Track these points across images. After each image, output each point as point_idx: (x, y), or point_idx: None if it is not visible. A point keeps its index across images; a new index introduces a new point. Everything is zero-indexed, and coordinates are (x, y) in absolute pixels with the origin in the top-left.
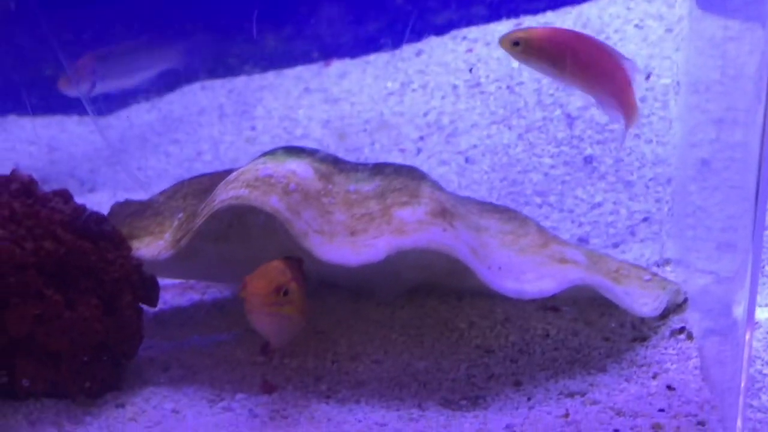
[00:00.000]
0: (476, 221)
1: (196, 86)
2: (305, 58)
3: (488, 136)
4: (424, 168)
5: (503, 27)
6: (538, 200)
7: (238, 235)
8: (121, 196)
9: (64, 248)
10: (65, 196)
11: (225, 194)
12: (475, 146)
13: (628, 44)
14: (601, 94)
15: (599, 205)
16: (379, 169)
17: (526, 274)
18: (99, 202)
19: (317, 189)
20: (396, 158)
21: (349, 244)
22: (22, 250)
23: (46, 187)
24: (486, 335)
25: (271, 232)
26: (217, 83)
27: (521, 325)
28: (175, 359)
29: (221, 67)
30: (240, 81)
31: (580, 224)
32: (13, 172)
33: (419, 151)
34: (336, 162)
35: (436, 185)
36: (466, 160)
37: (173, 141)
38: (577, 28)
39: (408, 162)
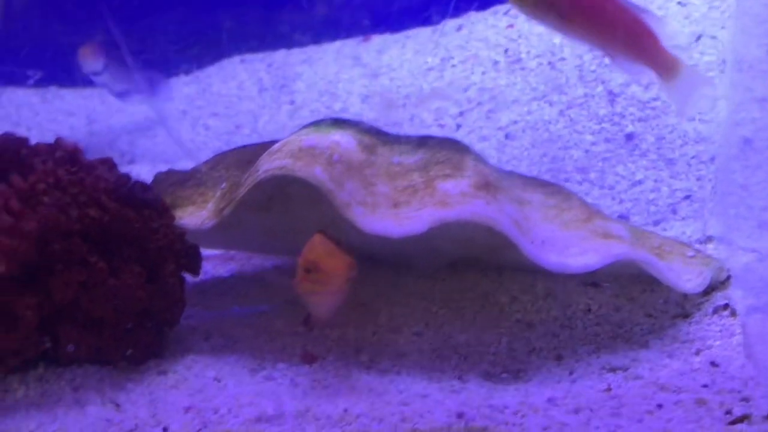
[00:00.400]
0: (519, 194)
1: (235, 60)
2: (345, 33)
3: (529, 112)
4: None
5: None
6: (578, 177)
7: (280, 206)
8: (161, 168)
9: (109, 216)
10: (109, 164)
11: (269, 164)
12: (515, 122)
13: (671, 21)
14: (618, 52)
15: (640, 182)
16: (422, 141)
17: (570, 248)
18: (138, 173)
19: (360, 160)
20: (436, 133)
21: (391, 216)
22: (67, 217)
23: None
24: (527, 309)
25: (313, 203)
26: (257, 57)
27: (563, 300)
28: (216, 328)
29: (261, 41)
30: (279, 55)
31: (621, 201)
32: (58, 140)
33: (459, 126)
34: (379, 134)
35: (479, 158)
36: (507, 136)
37: (212, 114)
38: None
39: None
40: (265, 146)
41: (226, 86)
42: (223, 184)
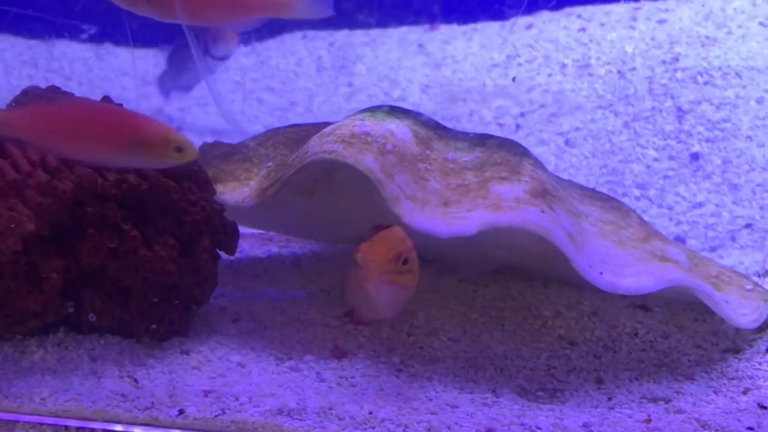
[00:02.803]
0: (576, 206)
1: (297, 35)
2: (411, 19)
3: (592, 120)
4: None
5: (620, 9)
6: (637, 192)
7: (325, 192)
8: (207, 136)
9: (147, 184)
10: None
11: (318, 147)
12: (577, 129)
13: (750, 42)
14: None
15: (701, 205)
16: (480, 140)
17: (624, 268)
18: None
19: (414, 153)
20: (494, 131)
21: (440, 214)
22: (104, 180)
23: None
24: (571, 326)
25: (359, 192)
26: (319, 35)
27: (609, 321)
28: (246, 311)
29: (325, 18)
30: (342, 35)
31: (678, 222)
32: (105, 98)
33: (518, 127)
34: (437, 127)
35: (538, 163)
36: (567, 142)
37: (267, 88)
38: (698, 19)
39: (506, 137)
40: (317, 127)
41: (284, 61)
42: (270, 163)
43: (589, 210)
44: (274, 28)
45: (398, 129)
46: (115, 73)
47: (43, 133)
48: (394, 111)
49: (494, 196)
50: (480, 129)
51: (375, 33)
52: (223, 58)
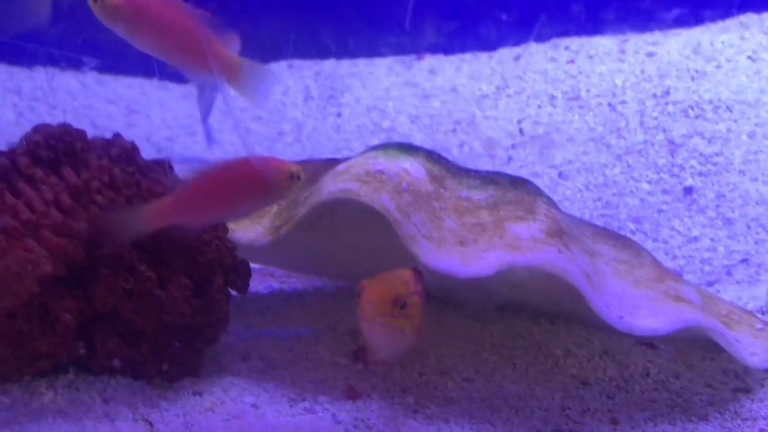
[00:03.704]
0: (590, 245)
1: (283, 64)
2: (398, 49)
3: (585, 152)
4: None
5: (608, 41)
6: (632, 226)
7: (327, 227)
8: (198, 166)
9: None
10: (166, 166)
11: (333, 186)
12: (570, 161)
13: (739, 75)
14: (180, 61)
15: (696, 239)
16: (492, 177)
17: (639, 308)
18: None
19: (428, 191)
20: (486, 164)
21: (457, 254)
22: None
23: None
24: (582, 365)
25: (362, 228)
26: (306, 64)
27: (620, 360)
28: (254, 349)
29: (311, 48)
30: (329, 64)
31: (674, 257)
32: (116, 136)
33: (510, 159)
34: (448, 164)
35: (551, 202)
36: (560, 175)
37: (255, 118)
38: (687, 53)
39: (499, 169)
40: (327, 164)
41: (272, 90)
42: (281, 200)
43: (603, 249)
44: (261, 56)
45: (412, 167)
46: (101, 102)
47: (194, 214)
48: (406, 148)
49: (511, 235)
50: (471, 161)
51: (362, 63)
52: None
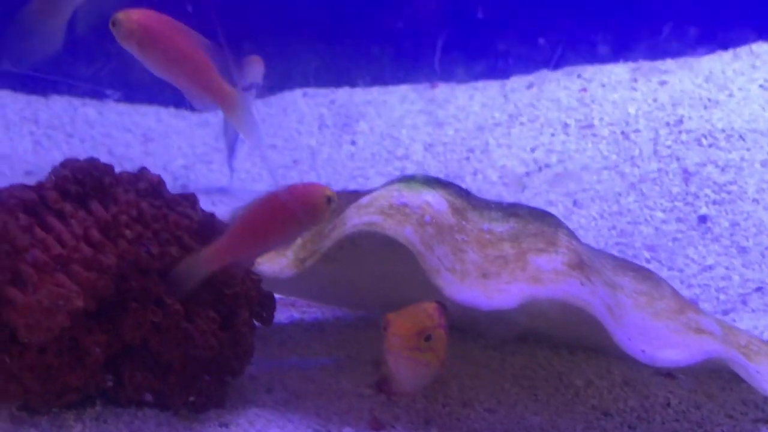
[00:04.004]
0: (611, 277)
1: (297, 93)
2: (411, 77)
3: (599, 181)
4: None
5: (620, 69)
6: (647, 255)
7: (348, 258)
8: (214, 196)
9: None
10: (192, 200)
11: (357, 219)
12: (584, 190)
13: (751, 104)
14: (186, 85)
15: (711, 267)
16: (513, 210)
17: (660, 340)
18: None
19: (451, 224)
20: (500, 191)
21: (480, 286)
22: (147, 254)
23: None
24: (603, 396)
25: (383, 259)
26: (320, 92)
27: (640, 390)
28: (277, 380)
29: (325, 76)
30: (343, 92)
31: (690, 285)
32: (142, 170)
33: (524, 187)
34: (469, 197)
35: (572, 234)
36: (574, 203)
37: (270, 146)
38: (699, 81)
39: (513, 197)
40: (348, 196)
41: (286, 119)
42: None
43: (623, 281)
44: (275, 84)
45: (434, 200)
46: (118, 130)
47: (246, 250)
48: (429, 181)
49: (533, 268)
50: (485, 188)
51: (376, 91)
52: (251, 87)
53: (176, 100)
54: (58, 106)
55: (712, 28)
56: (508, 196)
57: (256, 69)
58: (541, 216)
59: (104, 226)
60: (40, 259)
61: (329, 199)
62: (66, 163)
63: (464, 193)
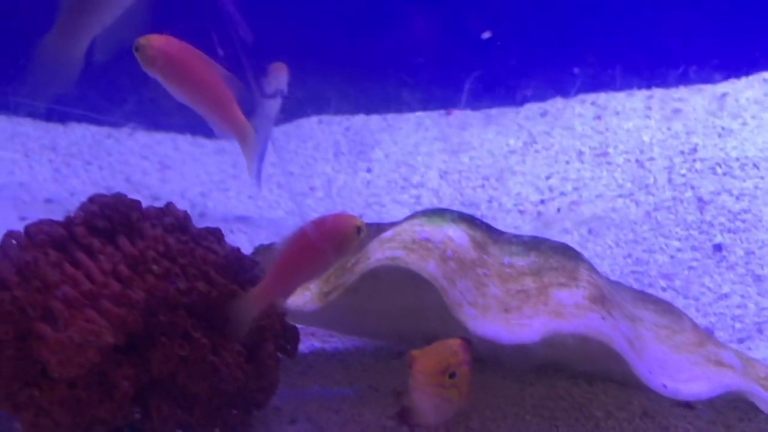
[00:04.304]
0: (631, 310)
1: (313, 119)
2: (426, 104)
3: (614, 209)
4: (546, 235)
5: (634, 97)
6: (662, 283)
7: (369, 289)
8: (233, 224)
9: (216, 292)
10: (218, 235)
11: (381, 253)
12: (599, 218)
13: (765, 132)
14: (209, 114)
15: (726, 296)
16: (533, 243)
17: (681, 373)
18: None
19: (472, 258)
20: (515, 220)
21: (502, 321)
22: (175, 289)
23: (157, 205)
24: (623, 428)
25: (401, 290)
26: (335, 119)
27: (660, 422)
28: (300, 411)
29: (340, 103)
30: (358, 119)
31: (705, 314)
32: (168, 205)
33: (539, 215)
34: (490, 230)
35: (592, 268)
36: (590, 231)
37: (286, 173)
38: (713, 109)
39: (527, 225)
40: (369, 228)
41: (302, 146)
42: None
43: (644, 314)
44: (290, 112)
45: (456, 234)
46: (135, 158)
47: (288, 286)
48: (450, 215)
49: (555, 302)
50: (500, 216)
51: (391, 118)
52: (276, 95)
53: (192, 127)
54: (77, 133)
55: (725, 56)
56: (524, 225)
57: (280, 76)
58: (562, 250)
59: (132, 261)
60: (71, 295)
61: (358, 229)
62: (94, 199)
63: (485, 227)
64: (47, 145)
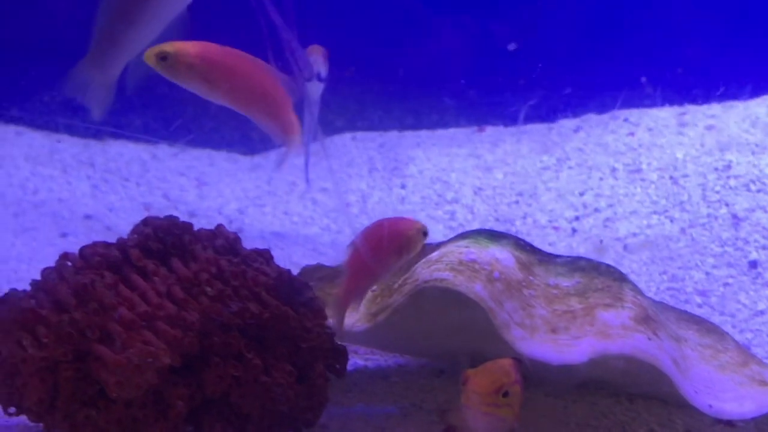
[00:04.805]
0: (675, 330)
1: (347, 136)
2: (458, 121)
3: (648, 225)
4: (580, 251)
5: (666, 113)
6: (698, 300)
7: (418, 312)
8: (269, 240)
9: (269, 313)
10: (266, 256)
11: (429, 275)
12: (634, 234)
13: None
14: (259, 116)
15: (762, 313)
16: (577, 264)
17: (726, 392)
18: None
19: (518, 279)
20: (549, 236)
21: (550, 341)
22: (228, 310)
23: (195, 221)
24: None
25: (452, 313)
26: (368, 136)
27: None
28: (347, 429)
29: (373, 120)
30: (391, 136)
31: (742, 330)
32: (219, 227)
33: (574, 231)
34: (534, 251)
35: (636, 288)
36: (625, 248)
37: (321, 189)
38: (746, 126)
39: (563, 241)
40: None
41: (336, 162)
42: (375, 287)
43: (687, 334)
44: (324, 129)
45: (502, 255)
46: (172, 174)
47: (362, 288)
48: (496, 236)
49: (601, 323)
50: (535, 232)
51: (424, 134)
52: (312, 78)
53: (228, 143)
54: (114, 150)
55: (756, 72)
56: (558, 241)
57: (318, 59)
58: (606, 270)
59: (186, 283)
60: (127, 316)
61: (421, 231)
62: (148, 222)
63: (529, 248)
64: (85, 161)
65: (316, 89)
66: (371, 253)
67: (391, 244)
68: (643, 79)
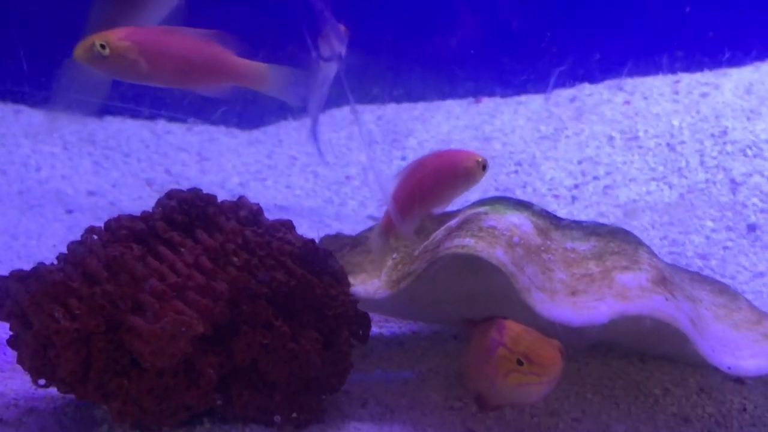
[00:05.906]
0: (690, 291)
1: (345, 109)
2: (454, 93)
3: (648, 192)
4: (582, 218)
5: (660, 81)
6: (699, 263)
7: (439, 279)
8: (272, 213)
9: (295, 281)
10: (289, 226)
11: (450, 242)
12: (634, 201)
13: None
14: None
15: (762, 274)
16: (593, 228)
17: (742, 350)
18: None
19: (537, 244)
20: (550, 204)
21: (570, 304)
22: (255, 279)
23: None
24: (682, 404)
25: (472, 279)
26: (367, 108)
27: (716, 397)
28: (369, 394)
29: (371, 93)
30: (389, 109)
31: (743, 292)
32: (241, 199)
33: (574, 199)
34: (549, 217)
35: (651, 251)
36: (625, 214)
37: (322, 162)
38: (740, 93)
39: (564, 209)
40: (433, 218)
41: (336, 135)
42: (395, 255)
43: (702, 294)
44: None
45: (520, 221)
46: (173, 150)
47: (411, 213)
48: (512, 203)
49: (619, 285)
50: (535, 201)
51: (421, 106)
52: (332, 58)
53: (226, 120)
54: (113, 127)
55: (749, 39)
56: (558, 209)
57: (338, 39)
58: (621, 234)
59: (213, 254)
60: (158, 288)
61: (481, 165)
62: (172, 194)
63: (545, 213)
64: (85, 138)
65: (332, 68)
66: (426, 182)
67: (447, 174)
68: (638, 49)
